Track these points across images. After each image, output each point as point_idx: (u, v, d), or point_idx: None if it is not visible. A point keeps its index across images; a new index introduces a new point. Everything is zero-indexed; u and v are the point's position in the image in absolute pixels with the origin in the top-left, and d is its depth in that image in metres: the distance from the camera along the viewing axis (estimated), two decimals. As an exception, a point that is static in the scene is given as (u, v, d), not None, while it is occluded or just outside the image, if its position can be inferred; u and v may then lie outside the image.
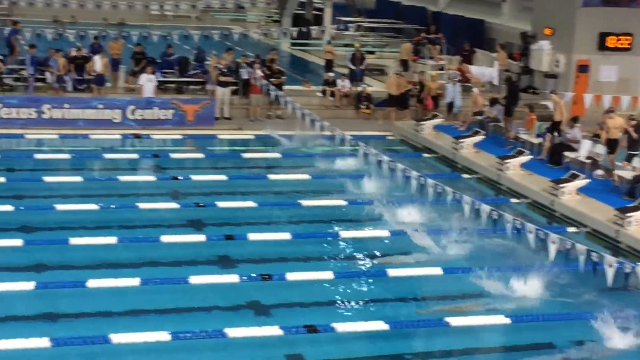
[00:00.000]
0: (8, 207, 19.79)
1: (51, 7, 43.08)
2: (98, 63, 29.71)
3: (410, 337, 15.08)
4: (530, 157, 24.38)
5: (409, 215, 20.24)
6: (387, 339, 14.86)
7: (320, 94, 32.13)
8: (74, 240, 17.88)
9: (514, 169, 23.92)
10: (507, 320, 15.30)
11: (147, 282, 16.02)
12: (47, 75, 29.44)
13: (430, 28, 37.18)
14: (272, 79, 29.71)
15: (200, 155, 26.20)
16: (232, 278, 16.57)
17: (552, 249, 17.20)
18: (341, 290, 16.76)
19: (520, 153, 24.44)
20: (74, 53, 30.32)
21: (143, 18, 47.90)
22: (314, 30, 40.59)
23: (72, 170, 23.86)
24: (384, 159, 21.27)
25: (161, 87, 30.50)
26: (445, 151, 26.74)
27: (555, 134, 25.35)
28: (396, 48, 39.88)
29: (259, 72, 29.37)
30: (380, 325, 14.87)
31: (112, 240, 18.09)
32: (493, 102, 28.23)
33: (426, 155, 27.18)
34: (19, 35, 32.85)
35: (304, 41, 42.95)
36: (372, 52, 39.38)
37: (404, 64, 34.67)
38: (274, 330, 14.30)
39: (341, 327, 14.68)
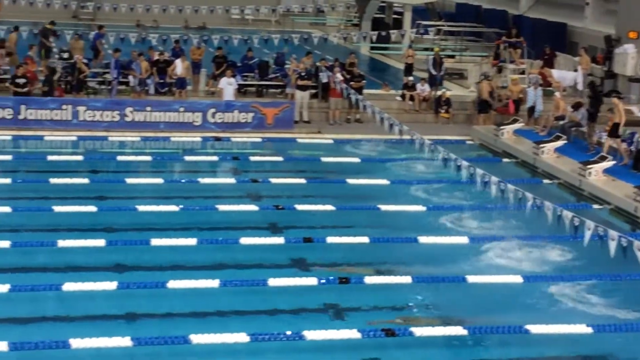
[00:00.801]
0: (91, 208, 20.18)
1: (134, 11, 43.80)
2: (179, 66, 30.11)
3: (489, 344, 14.93)
4: (613, 162, 23.95)
5: (488, 221, 20.06)
6: (466, 344, 14.75)
7: (399, 98, 32.02)
8: (155, 241, 18.13)
9: (596, 175, 23.53)
10: (589, 330, 15.04)
11: (226, 284, 16.17)
12: (130, 78, 29.89)
13: (511, 32, 36.80)
14: (351, 83, 29.72)
15: (279, 158, 26.31)
16: (310, 281, 16.64)
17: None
18: (419, 294, 16.71)
19: (603, 158, 24.03)
20: (156, 57, 30.74)
21: (224, 22, 48.30)
22: (394, 34, 40.38)
23: (154, 172, 24.22)
24: (463, 164, 21.11)
25: (241, 90, 30.81)
26: (526, 156, 26.41)
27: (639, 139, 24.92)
28: (476, 52, 39.63)
29: (338, 76, 29.39)
30: (458, 331, 14.78)
31: (192, 241, 18.29)
32: (577, 106, 27.78)
33: (506, 160, 26.89)
34: (104, 40, 33.41)
35: (384, 45, 42.86)
36: (451, 56, 39.12)
37: (499, 68, 34.53)
38: (352, 334, 14.28)
39: (419, 331, 14.63)
